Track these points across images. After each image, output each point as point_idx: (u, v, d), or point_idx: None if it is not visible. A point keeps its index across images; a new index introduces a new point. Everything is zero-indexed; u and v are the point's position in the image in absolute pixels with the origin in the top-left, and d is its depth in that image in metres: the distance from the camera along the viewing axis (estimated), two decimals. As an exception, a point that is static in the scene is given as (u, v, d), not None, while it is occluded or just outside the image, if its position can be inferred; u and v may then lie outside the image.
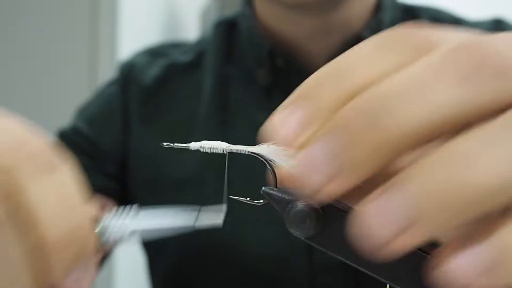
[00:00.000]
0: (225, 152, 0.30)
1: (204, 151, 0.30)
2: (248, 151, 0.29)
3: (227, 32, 0.69)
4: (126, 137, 0.68)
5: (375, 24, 0.63)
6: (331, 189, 0.21)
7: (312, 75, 0.22)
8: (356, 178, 0.20)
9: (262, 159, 0.29)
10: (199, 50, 0.71)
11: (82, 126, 0.69)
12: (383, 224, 0.19)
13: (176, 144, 0.31)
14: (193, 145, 0.30)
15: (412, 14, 0.68)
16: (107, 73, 1.42)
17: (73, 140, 0.67)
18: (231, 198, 0.31)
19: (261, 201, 0.29)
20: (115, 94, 0.69)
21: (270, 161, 0.28)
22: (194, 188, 0.63)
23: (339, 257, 0.26)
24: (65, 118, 1.39)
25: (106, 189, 0.65)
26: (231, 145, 0.30)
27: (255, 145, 0.28)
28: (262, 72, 0.64)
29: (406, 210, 0.18)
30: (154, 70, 0.68)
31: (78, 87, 1.43)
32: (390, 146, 0.19)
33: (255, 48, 0.65)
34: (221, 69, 0.67)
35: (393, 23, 0.65)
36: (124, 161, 0.68)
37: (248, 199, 0.30)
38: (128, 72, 0.69)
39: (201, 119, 0.65)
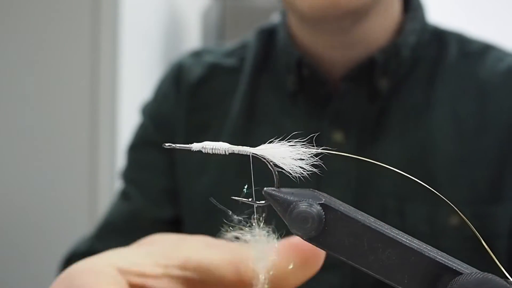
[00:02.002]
0: (226, 153, 0.30)
1: (206, 152, 0.30)
2: (250, 152, 0.29)
3: (266, 40, 0.73)
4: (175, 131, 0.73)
5: (391, 48, 0.64)
6: None
7: None
8: None
9: (264, 160, 0.29)
10: (242, 56, 0.75)
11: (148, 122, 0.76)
12: None
13: (178, 145, 0.31)
14: (195, 146, 0.30)
15: (440, 38, 0.69)
16: (108, 73, 1.42)
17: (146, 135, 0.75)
18: (233, 198, 0.31)
19: (263, 202, 0.29)
20: (169, 91, 0.75)
21: (272, 162, 0.28)
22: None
23: (341, 258, 0.27)
24: (66, 112, 1.38)
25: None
26: (233, 146, 0.30)
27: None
28: (291, 78, 0.66)
29: None
30: (198, 70, 0.74)
31: (79, 86, 1.43)
32: None
33: (286, 55, 0.68)
34: (255, 74, 0.71)
35: (419, 46, 0.67)
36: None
37: (250, 199, 0.30)
38: (178, 71, 0.75)
39: (231, 119, 0.69)
